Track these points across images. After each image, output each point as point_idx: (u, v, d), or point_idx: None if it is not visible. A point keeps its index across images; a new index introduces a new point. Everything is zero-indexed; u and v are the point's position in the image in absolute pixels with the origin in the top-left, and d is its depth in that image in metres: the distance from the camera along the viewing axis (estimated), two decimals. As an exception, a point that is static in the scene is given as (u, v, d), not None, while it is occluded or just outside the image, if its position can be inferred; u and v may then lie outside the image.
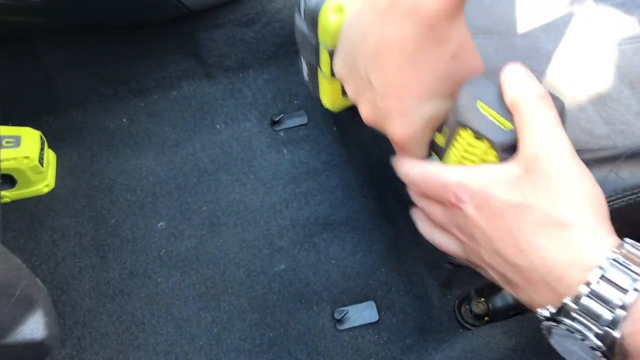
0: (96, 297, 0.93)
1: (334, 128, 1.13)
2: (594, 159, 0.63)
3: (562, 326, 0.40)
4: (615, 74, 0.75)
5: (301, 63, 0.79)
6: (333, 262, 0.96)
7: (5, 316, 0.35)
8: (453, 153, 0.50)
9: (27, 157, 0.95)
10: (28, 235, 0.99)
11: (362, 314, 0.90)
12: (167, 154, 1.10)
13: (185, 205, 1.03)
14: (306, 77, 0.80)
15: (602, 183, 0.60)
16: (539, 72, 0.74)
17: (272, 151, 1.10)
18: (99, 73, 1.21)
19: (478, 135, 0.46)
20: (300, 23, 0.64)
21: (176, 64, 1.23)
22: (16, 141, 0.96)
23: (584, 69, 0.76)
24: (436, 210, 0.52)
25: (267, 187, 1.05)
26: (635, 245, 0.39)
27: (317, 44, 0.62)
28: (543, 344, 0.66)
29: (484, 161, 0.47)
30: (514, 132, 0.44)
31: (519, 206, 0.42)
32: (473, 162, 0.48)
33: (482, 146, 0.46)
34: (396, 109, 0.48)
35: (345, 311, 0.89)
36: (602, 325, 0.37)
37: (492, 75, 0.48)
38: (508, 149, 0.45)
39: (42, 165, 0.99)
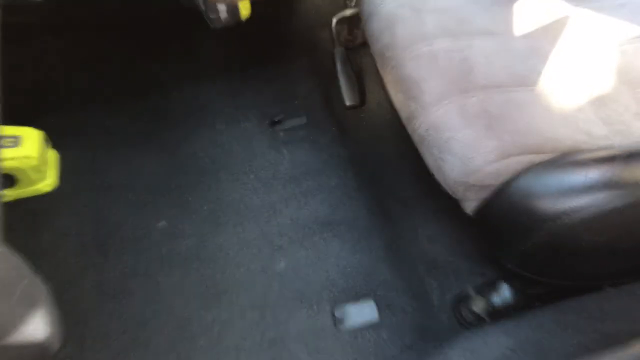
0: (97, 296, 0.93)
1: (334, 128, 1.14)
2: (593, 159, 0.63)
3: None
4: (614, 74, 0.75)
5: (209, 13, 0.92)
6: (333, 261, 0.96)
7: (7, 315, 0.35)
8: None
9: (28, 157, 0.95)
10: (29, 235, 1.00)
11: (362, 313, 0.90)
12: (168, 153, 1.10)
13: (186, 205, 1.03)
14: (225, 15, 0.93)
15: (600, 183, 0.60)
16: (537, 73, 0.74)
17: (272, 151, 1.10)
18: (100, 73, 1.22)
19: None
20: None
21: (177, 64, 1.24)
22: (18, 141, 0.96)
23: (583, 69, 0.76)
24: None
25: (267, 186, 1.05)
26: None
27: None
28: (542, 342, 0.66)
29: None
30: None
31: None
32: None
33: None
34: None
35: (345, 310, 0.89)
36: None
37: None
38: None
39: (43, 165, 0.99)
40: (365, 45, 1.25)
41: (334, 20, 1.23)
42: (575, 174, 0.61)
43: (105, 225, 1.01)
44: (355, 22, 1.25)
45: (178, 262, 0.96)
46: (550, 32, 0.80)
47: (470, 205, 0.73)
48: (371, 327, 0.89)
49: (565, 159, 0.64)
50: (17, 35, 1.15)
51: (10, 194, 1.01)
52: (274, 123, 1.13)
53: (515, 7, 0.83)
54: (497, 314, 0.86)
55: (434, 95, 0.72)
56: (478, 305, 0.87)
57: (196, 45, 1.27)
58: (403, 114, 0.78)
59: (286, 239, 0.98)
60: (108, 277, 0.95)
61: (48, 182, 1.03)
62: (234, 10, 0.93)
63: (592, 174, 0.60)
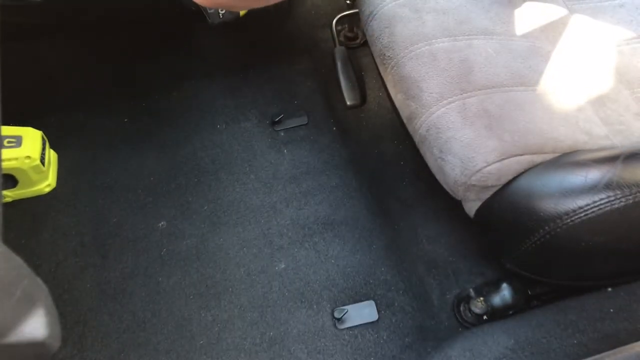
0: (97, 296, 0.93)
1: (334, 128, 1.14)
2: (593, 160, 0.63)
3: None
4: (613, 74, 0.75)
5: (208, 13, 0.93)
6: (333, 261, 0.96)
7: (7, 315, 0.35)
8: None
9: (28, 157, 0.95)
10: (29, 235, 1.00)
11: (362, 313, 0.90)
12: (168, 153, 1.10)
13: (186, 205, 1.03)
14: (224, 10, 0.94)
15: (601, 183, 0.60)
16: (537, 73, 0.74)
17: (272, 151, 1.10)
18: (100, 73, 1.22)
19: None
20: None
21: (177, 64, 1.24)
22: (18, 141, 0.96)
23: (582, 70, 0.76)
24: None
25: (267, 186, 1.05)
26: None
27: None
28: (542, 342, 0.66)
29: None
30: None
31: None
32: None
33: None
34: None
35: (345, 310, 0.89)
36: None
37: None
38: None
39: (43, 165, 0.99)
40: (365, 45, 1.25)
41: (334, 20, 1.23)
42: (576, 174, 0.61)
43: (105, 225, 1.01)
44: (356, 22, 1.25)
45: (178, 262, 0.96)
46: (549, 32, 0.80)
47: (470, 206, 0.73)
48: (371, 327, 0.89)
49: (565, 159, 0.64)
50: (17, 35, 1.15)
51: (10, 195, 1.01)
52: (274, 123, 1.13)
53: (515, 7, 0.83)
54: (497, 314, 0.86)
55: (434, 95, 0.72)
56: (478, 305, 0.87)
57: (196, 45, 1.27)
58: (403, 113, 0.78)
59: (286, 239, 0.99)
60: (108, 277, 0.95)
61: (48, 182, 1.03)
62: None
63: (593, 175, 0.60)
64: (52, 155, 1.07)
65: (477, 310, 0.87)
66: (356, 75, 1.11)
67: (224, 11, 0.94)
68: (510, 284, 0.88)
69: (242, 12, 0.99)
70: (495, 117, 0.68)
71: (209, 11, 0.93)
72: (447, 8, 0.81)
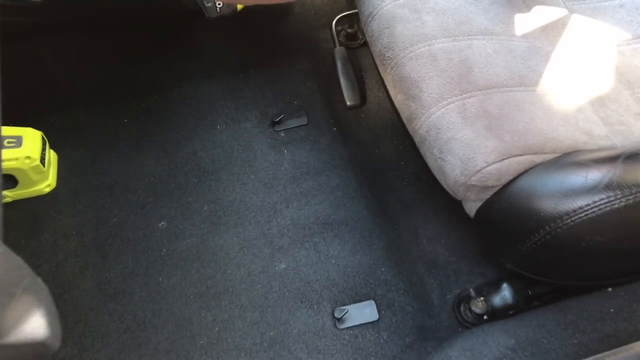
0: (97, 296, 0.93)
1: (334, 128, 1.14)
2: (593, 160, 0.63)
3: None
4: (614, 74, 0.75)
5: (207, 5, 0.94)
6: (333, 261, 0.96)
7: (7, 315, 0.35)
8: None
9: (28, 157, 0.96)
10: (30, 235, 1.00)
11: (362, 312, 0.90)
12: (168, 153, 1.10)
13: (186, 205, 1.03)
14: (221, 4, 0.95)
15: (601, 184, 0.60)
16: (537, 73, 0.74)
17: (272, 151, 1.10)
18: (100, 73, 1.22)
19: None
20: None
21: (177, 64, 1.24)
22: (18, 141, 0.96)
23: (582, 70, 0.76)
24: None
25: (267, 186, 1.05)
26: None
27: None
28: (542, 342, 0.66)
29: None
30: None
31: None
32: None
33: None
34: None
35: (346, 310, 0.89)
36: None
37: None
38: None
39: (43, 165, 0.99)
40: (365, 45, 1.25)
41: (334, 20, 1.23)
42: (576, 174, 0.61)
43: (105, 226, 1.01)
44: (356, 22, 1.25)
45: (178, 262, 0.96)
46: (549, 33, 0.80)
47: (470, 206, 0.73)
48: (371, 327, 0.89)
49: (565, 160, 0.64)
50: (17, 35, 1.15)
51: (10, 195, 1.01)
52: (274, 123, 1.13)
53: (515, 7, 0.83)
54: (498, 314, 0.86)
55: (433, 96, 0.72)
56: (478, 305, 0.87)
57: (196, 45, 1.27)
58: (403, 114, 0.78)
59: (286, 239, 0.99)
60: (108, 277, 0.95)
61: (48, 182, 1.04)
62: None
63: (593, 175, 0.60)
64: (52, 156, 1.07)
65: (478, 310, 0.87)
66: (356, 75, 1.11)
67: (221, 5, 0.93)
68: (510, 284, 0.88)
69: (239, 6, 0.99)
70: (495, 118, 0.68)
71: (206, 5, 0.92)
72: (447, 8, 0.81)
